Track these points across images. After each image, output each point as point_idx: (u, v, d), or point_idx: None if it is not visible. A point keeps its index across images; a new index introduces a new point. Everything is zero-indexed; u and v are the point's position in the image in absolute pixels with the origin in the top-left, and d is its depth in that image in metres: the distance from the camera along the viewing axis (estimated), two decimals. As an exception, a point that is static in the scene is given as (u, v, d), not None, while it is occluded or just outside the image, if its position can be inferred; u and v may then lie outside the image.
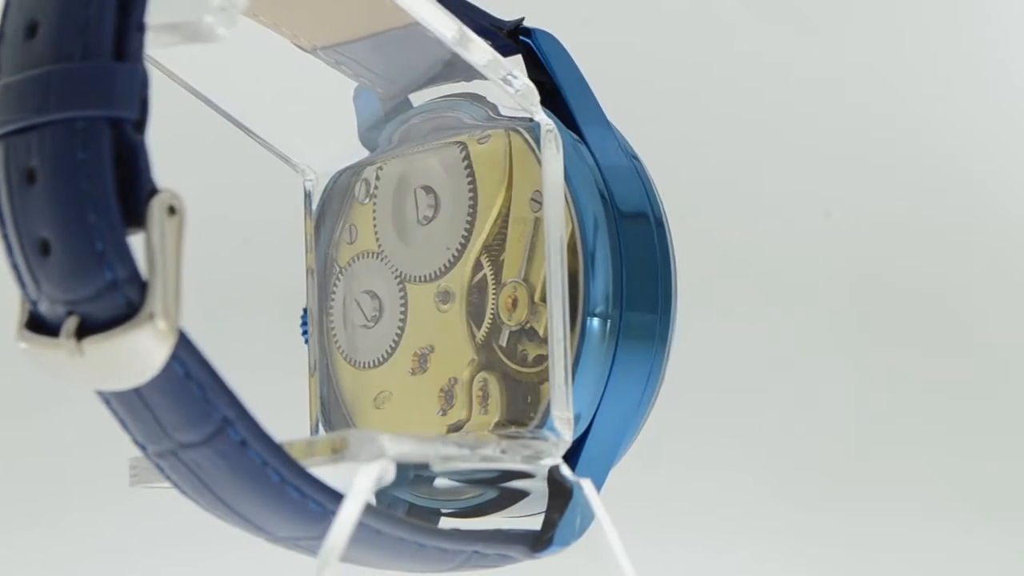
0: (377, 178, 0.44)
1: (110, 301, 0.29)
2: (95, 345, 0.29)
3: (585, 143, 0.40)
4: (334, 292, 0.45)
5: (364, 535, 0.33)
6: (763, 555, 0.59)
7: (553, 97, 0.40)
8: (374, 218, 0.44)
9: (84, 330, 0.29)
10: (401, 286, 0.42)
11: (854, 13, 0.72)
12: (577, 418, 0.37)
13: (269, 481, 0.31)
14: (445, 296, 0.41)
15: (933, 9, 0.71)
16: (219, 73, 0.40)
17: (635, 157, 0.42)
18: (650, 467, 0.60)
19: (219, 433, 0.31)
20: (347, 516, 0.32)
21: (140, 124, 0.29)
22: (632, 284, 0.38)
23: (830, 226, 0.69)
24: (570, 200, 0.38)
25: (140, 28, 0.29)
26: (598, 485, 0.38)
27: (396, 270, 0.43)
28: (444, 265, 0.41)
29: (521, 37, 0.41)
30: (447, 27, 0.35)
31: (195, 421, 0.31)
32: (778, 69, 0.70)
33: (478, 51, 0.36)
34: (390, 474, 0.32)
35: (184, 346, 0.30)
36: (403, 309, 0.42)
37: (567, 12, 0.70)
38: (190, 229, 0.68)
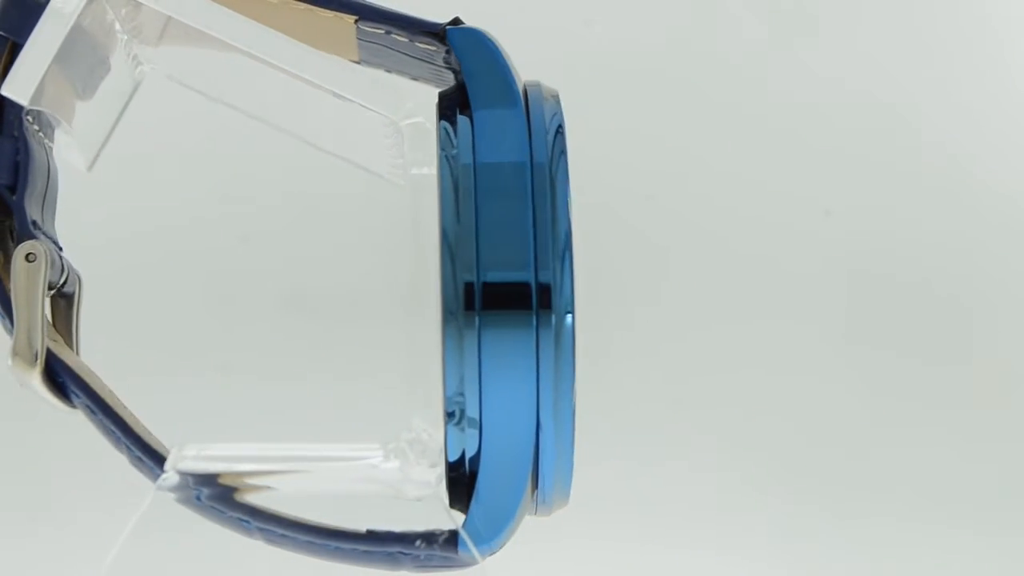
0: None
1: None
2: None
3: (473, 140, 0.38)
4: None
5: (276, 540, 0.36)
6: (758, 557, 0.59)
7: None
8: None
9: None
10: None
11: (856, 10, 0.72)
12: (455, 411, 0.36)
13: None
14: None
15: (936, 7, 0.71)
16: (308, 114, 0.41)
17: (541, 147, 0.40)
18: (644, 468, 0.60)
19: (128, 452, 0.36)
20: (138, 518, 0.35)
21: (12, 187, 0.35)
22: (493, 282, 0.36)
23: (830, 225, 0.69)
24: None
25: (14, 103, 0.35)
26: (512, 505, 0.37)
27: None
28: None
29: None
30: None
31: (113, 442, 0.35)
32: (779, 66, 0.70)
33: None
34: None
35: (73, 380, 0.35)
36: None
37: (568, 8, 0.69)
38: (189, 228, 0.68)
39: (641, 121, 0.68)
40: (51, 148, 0.40)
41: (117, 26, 0.37)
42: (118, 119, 0.40)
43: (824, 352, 0.66)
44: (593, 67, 0.67)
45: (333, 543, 0.36)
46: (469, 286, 0.35)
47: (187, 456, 0.36)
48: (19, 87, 0.35)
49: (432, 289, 0.35)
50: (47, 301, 0.39)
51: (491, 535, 0.36)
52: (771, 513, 0.60)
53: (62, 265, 0.39)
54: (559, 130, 0.38)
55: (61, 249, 0.41)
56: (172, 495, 0.36)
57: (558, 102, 0.39)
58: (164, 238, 0.64)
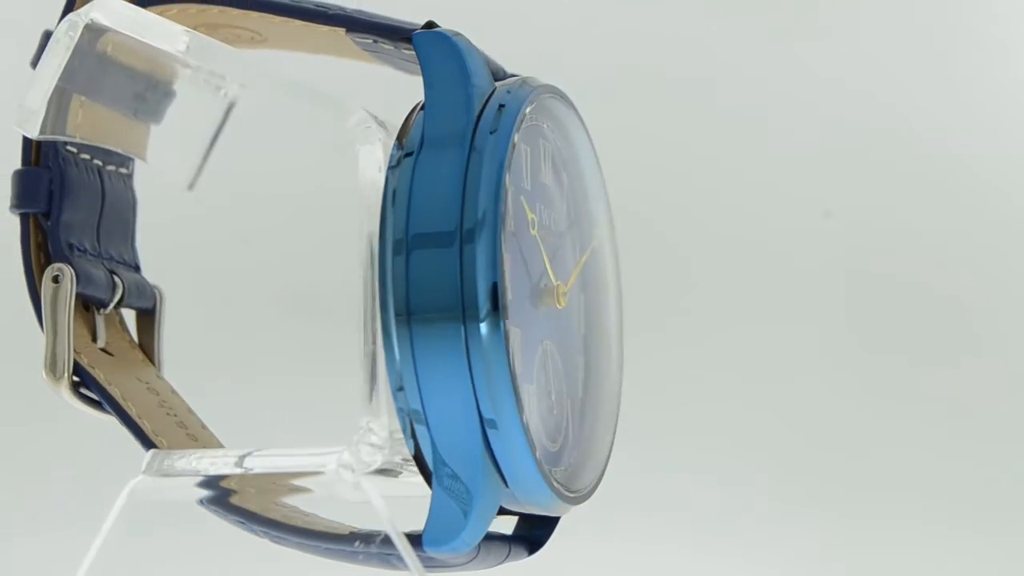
0: None
1: None
2: None
3: (421, 143, 0.37)
4: None
5: (276, 540, 0.37)
6: (760, 559, 0.59)
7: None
8: None
9: None
10: None
11: (856, 10, 0.72)
12: (401, 408, 0.36)
13: None
14: None
15: (937, 7, 0.71)
16: None
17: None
18: (646, 470, 0.60)
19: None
20: (105, 525, 0.37)
21: (47, 214, 0.39)
22: (420, 284, 0.36)
23: (830, 225, 0.69)
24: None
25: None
26: (471, 500, 0.36)
27: None
28: None
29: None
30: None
31: (140, 446, 0.38)
32: (779, 66, 0.70)
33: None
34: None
35: (99, 392, 0.38)
36: None
37: (568, 8, 0.70)
38: (188, 228, 0.68)
39: (640, 121, 0.68)
40: (123, 174, 0.42)
41: (153, 52, 0.37)
42: (214, 139, 0.41)
43: (824, 352, 0.67)
44: (593, 67, 0.67)
45: (323, 544, 0.37)
46: (398, 289, 0.36)
47: (162, 462, 0.37)
48: (26, 122, 0.37)
49: (374, 291, 0.36)
50: (122, 318, 0.41)
51: (457, 530, 0.36)
52: (772, 513, 0.61)
53: (112, 283, 0.40)
54: (500, 108, 0.37)
55: (138, 269, 0.42)
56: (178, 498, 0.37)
57: (525, 86, 0.39)
58: (163, 238, 0.64)
